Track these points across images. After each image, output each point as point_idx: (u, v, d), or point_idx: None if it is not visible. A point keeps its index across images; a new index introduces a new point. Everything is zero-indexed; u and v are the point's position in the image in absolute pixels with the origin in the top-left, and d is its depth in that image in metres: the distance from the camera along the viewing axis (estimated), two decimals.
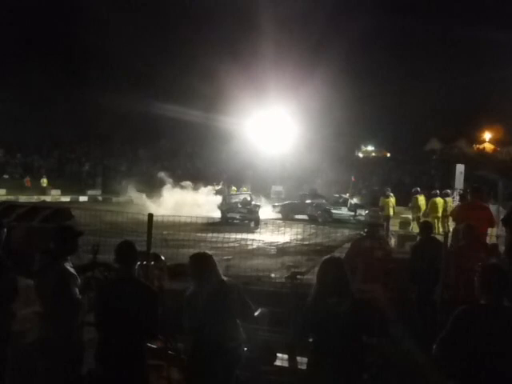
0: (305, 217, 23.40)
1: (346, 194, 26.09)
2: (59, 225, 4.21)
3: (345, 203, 23.71)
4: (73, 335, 3.57)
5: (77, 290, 3.57)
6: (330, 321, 3.12)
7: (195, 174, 35.08)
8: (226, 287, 3.56)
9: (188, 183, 27.05)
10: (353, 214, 22.84)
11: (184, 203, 22.20)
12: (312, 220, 21.82)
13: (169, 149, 49.04)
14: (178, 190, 25.83)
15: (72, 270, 3.66)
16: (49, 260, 3.67)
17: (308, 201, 24.71)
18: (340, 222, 21.76)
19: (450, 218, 9.93)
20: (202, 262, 3.61)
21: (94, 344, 3.56)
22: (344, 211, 23.23)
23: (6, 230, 3.87)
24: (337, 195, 25.55)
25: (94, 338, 3.59)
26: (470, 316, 2.78)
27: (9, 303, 3.63)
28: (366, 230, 6.00)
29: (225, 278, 3.66)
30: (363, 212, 22.64)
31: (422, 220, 12.03)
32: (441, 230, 12.46)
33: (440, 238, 6.23)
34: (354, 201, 25.04)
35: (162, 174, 28.34)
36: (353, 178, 24.86)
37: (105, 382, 3.47)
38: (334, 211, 23.24)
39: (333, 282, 3.21)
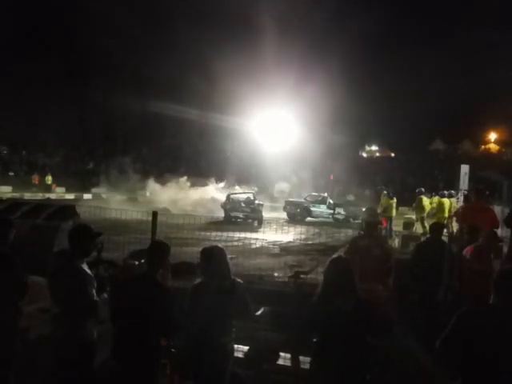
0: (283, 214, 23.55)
1: (325, 192, 26.30)
2: (76, 225, 4.17)
3: (324, 201, 23.86)
4: (84, 335, 3.58)
5: (93, 291, 3.58)
6: (334, 320, 3.11)
7: (199, 172, 35.07)
8: (233, 285, 3.59)
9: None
10: (331, 212, 23.11)
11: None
12: (290, 218, 22.00)
13: (172, 148, 49.11)
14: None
15: (89, 271, 3.67)
16: (65, 260, 3.66)
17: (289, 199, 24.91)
18: (316, 220, 22.07)
19: (454, 219, 9.91)
20: (212, 255, 3.63)
21: (109, 338, 3.58)
22: (323, 209, 23.41)
23: (14, 230, 3.90)
24: (315, 193, 25.67)
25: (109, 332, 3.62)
26: (475, 316, 2.77)
27: (18, 300, 3.66)
28: (364, 228, 5.99)
29: (233, 277, 3.68)
30: (341, 210, 22.97)
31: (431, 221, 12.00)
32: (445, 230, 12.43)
33: (444, 238, 6.21)
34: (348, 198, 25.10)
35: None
36: (331, 177, 24.95)
37: (116, 376, 3.51)
38: (312, 209, 23.37)
39: (339, 282, 3.21)
